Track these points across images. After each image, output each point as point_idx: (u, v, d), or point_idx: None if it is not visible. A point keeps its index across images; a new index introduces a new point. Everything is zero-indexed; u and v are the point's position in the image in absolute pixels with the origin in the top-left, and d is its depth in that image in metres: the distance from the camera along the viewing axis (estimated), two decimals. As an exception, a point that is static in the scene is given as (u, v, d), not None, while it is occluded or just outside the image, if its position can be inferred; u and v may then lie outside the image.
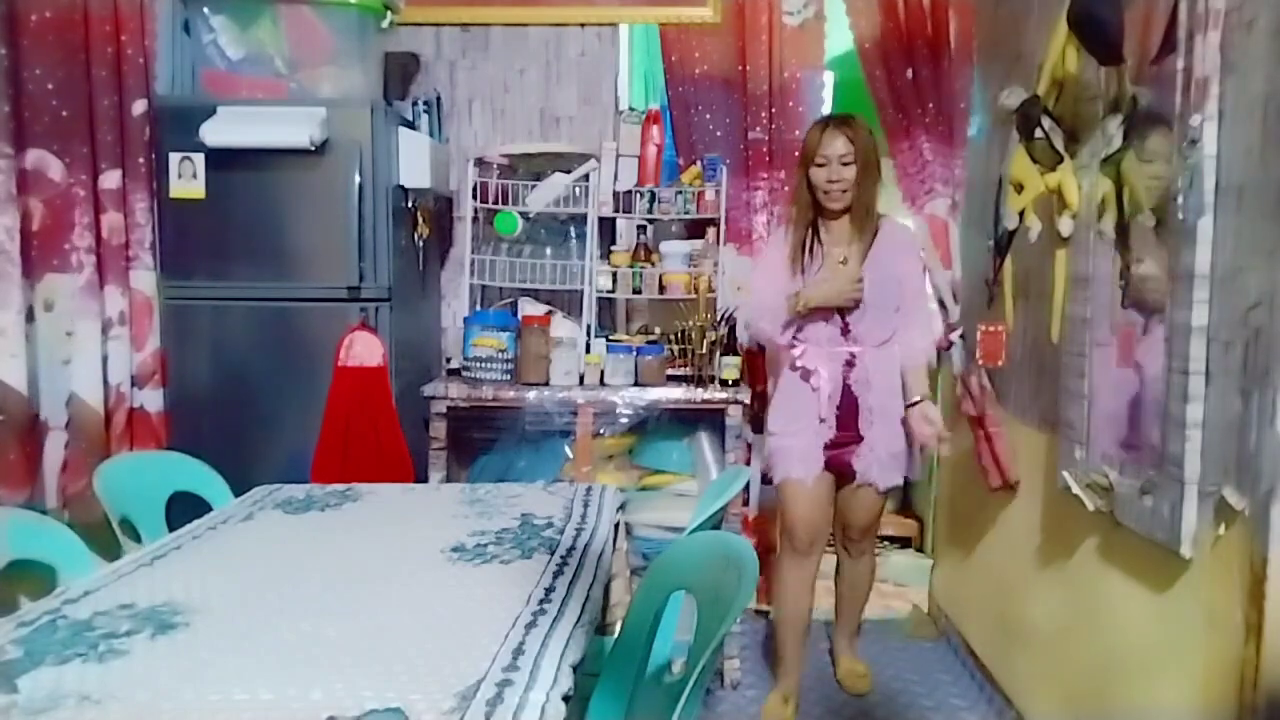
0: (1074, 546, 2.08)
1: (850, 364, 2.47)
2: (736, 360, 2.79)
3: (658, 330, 3.05)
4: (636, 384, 2.79)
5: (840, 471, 2.52)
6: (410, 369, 2.84)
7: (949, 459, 2.94)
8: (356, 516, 1.95)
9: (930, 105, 2.89)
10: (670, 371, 2.86)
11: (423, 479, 2.73)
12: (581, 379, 2.84)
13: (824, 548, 2.58)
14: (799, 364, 2.48)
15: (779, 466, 2.53)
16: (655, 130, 3.04)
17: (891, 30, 2.88)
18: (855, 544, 2.70)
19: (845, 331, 2.46)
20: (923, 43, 2.88)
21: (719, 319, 2.86)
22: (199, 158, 2.56)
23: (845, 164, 2.40)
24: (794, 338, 2.49)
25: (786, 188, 3.10)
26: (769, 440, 2.57)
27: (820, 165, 2.42)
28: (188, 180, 2.58)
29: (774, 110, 3.06)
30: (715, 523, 1.83)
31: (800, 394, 2.50)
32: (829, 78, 3.54)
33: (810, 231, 2.49)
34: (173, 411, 2.64)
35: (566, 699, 1.17)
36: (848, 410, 2.47)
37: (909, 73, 2.89)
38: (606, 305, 3.12)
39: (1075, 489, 1.96)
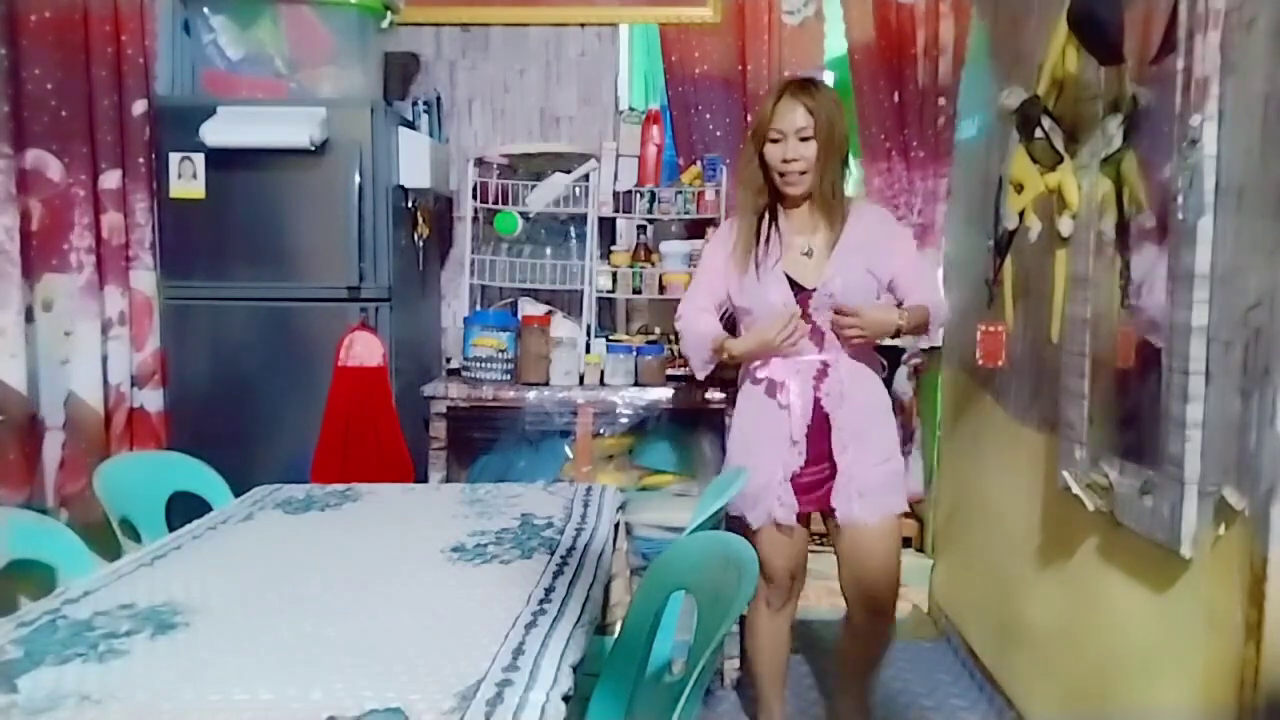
0: (1074, 546, 2.08)
1: (822, 375, 2.09)
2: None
3: (658, 330, 3.05)
4: (636, 384, 2.79)
5: (819, 509, 2.16)
6: (410, 369, 2.84)
7: (948, 460, 2.94)
8: (356, 516, 1.95)
9: (906, 132, 2.90)
10: (670, 371, 2.86)
11: (423, 479, 2.73)
12: (581, 379, 2.83)
13: (800, 593, 2.31)
14: (761, 375, 2.10)
15: (752, 508, 2.14)
16: (655, 130, 3.04)
17: (882, 48, 2.89)
18: (874, 618, 2.19)
19: (816, 335, 2.08)
20: (910, 64, 2.88)
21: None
22: (199, 158, 2.56)
23: (804, 139, 2.01)
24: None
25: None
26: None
27: (775, 141, 2.04)
28: (188, 180, 2.58)
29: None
30: (715, 523, 1.82)
31: (766, 412, 2.12)
32: (829, 77, 3.54)
33: (767, 220, 2.12)
34: (173, 411, 2.64)
35: (566, 699, 1.17)
36: (818, 430, 2.10)
37: (896, 95, 2.90)
38: (606, 305, 3.12)
39: (1075, 489, 1.96)
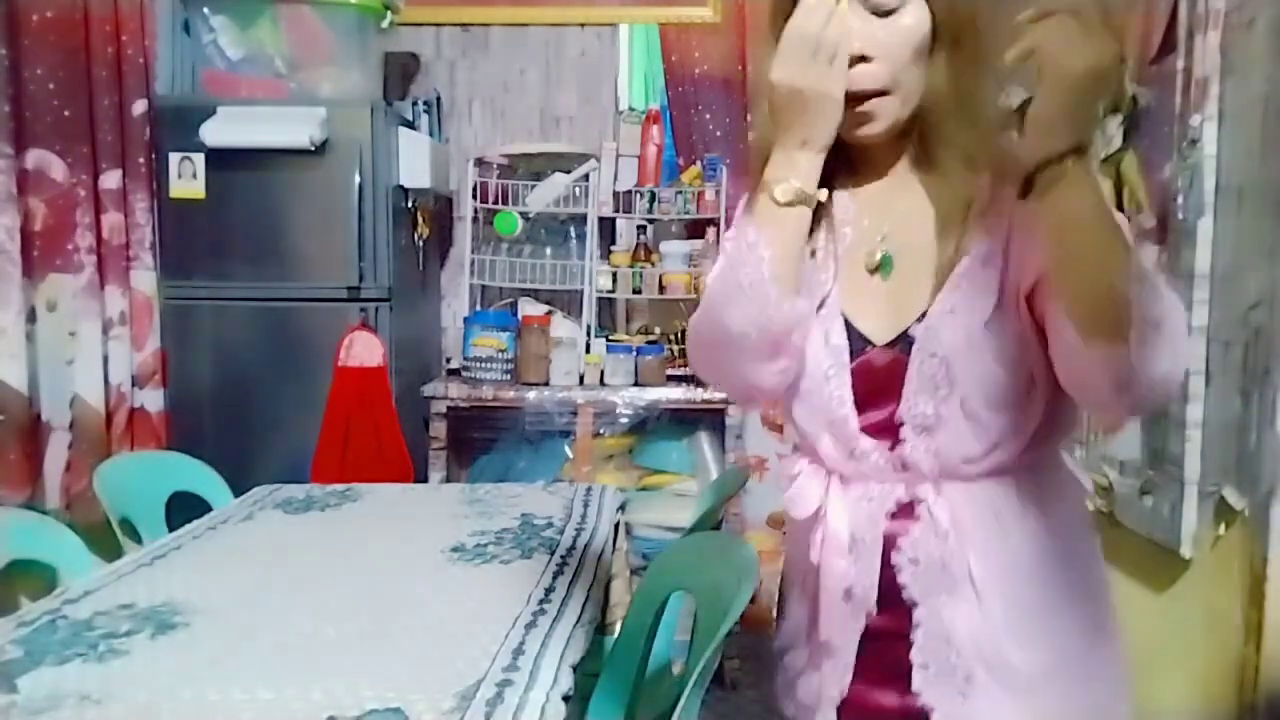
0: (1074, 546, 2.08)
1: (904, 516, 0.97)
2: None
3: (658, 330, 3.05)
4: (636, 384, 2.79)
5: None
6: (410, 369, 2.84)
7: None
8: (356, 516, 1.95)
9: None
10: (670, 371, 2.86)
11: (423, 479, 2.73)
12: (581, 379, 2.84)
13: None
14: (789, 491, 1.05)
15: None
16: (655, 130, 3.05)
17: None
18: None
19: (895, 436, 0.96)
20: None
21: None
22: (199, 158, 2.56)
23: (883, 13, 0.93)
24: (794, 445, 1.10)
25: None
26: (778, 673, 1.13)
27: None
28: (188, 180, 2.57)
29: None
30: (715, 523, 1.82)
31: (800, 576, 1.08)
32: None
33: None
34: (173, 411, 2.64)
35: (566, 699, 1.17)
36: (891, 625, 0.98)
37: None
38: (606, 305, 3.12)
39: (1075, 489, 1.95)
